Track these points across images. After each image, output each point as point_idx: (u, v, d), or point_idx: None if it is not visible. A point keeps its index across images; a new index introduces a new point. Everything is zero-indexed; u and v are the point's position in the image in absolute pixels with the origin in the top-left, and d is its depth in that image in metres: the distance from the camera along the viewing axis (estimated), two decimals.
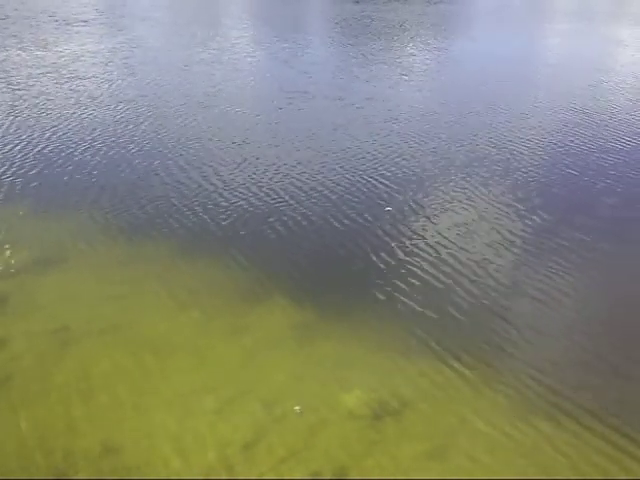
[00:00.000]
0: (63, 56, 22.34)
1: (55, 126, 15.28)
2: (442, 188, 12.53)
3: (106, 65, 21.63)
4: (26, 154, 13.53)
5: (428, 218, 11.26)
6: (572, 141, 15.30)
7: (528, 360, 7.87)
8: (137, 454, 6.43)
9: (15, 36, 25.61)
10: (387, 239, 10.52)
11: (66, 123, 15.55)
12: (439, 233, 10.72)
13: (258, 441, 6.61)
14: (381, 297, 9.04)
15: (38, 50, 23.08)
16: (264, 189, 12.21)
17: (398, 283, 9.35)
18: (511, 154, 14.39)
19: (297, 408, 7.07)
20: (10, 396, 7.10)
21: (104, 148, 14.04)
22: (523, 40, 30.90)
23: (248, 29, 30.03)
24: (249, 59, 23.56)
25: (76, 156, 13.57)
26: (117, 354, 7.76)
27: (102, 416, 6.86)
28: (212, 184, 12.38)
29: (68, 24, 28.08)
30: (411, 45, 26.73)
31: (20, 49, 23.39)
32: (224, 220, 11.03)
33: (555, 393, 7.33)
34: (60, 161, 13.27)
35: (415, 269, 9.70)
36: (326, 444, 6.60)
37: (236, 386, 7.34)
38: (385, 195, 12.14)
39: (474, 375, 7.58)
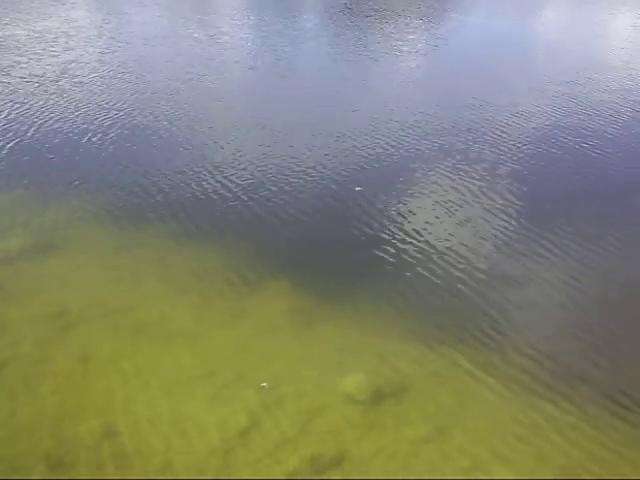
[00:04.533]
0: (53, 33, 22.12)
1: (50, 110, 15.13)
2: (435, 172, 12.49)
3: (96, 43, 21.47)
4: (22, 139, 13.43)
5: (425, 204, 11.24)
6: (569, 125, 15.23)
7: (526, 343, 7.90)
8: (136, 439, 6.45)
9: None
10: (385, 223, 10.50)
11: (61, 106, 15.38)
12: (435, 218, 10.71)
13: (257, 425, 6.64)
14: (379, 281, 9.05)
15: (24, 27, 22.83)
16: (261, 174, 12.14)
17: (396, 267, 9.36)
18: (503, 137, 14.31)
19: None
20: (10, 380, 7.10)
21: (100, 133, 13.90)
22: (520, 24, 30.68)
23: (241, 12, 29.71)
24: (238, 40, 23.38)
25: (73, 141, 13.45)
26: (116, 339, 7.76)
27: (101, 401, 6.87)
28: (208, 169, 12.30)
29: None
30: (404, 29, 26.53)
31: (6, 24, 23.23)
32: (221, 205, 10.98)
33: (553, 375, 7.38)
34: (58, 146, 13.16)
35: (413, 253, 9.69)
36: (325, 428, 6.64)
37: (234, 371, 7.36)
38: (380, 176, 12.13)
39: (473, 358, 7.61)
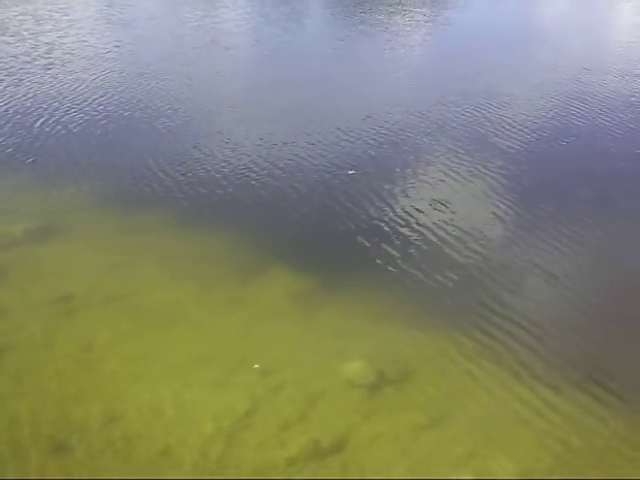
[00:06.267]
0: (38, 15, 22.07)
1: (52, 96, 15.09)
2: (431, 155, 12.52)
3: (78, 26, 21.46)
4: (24, 125, 13.40)
5: (423, 187, 11.23)
6: (566, 112, 15.18)
7: (526, 328, 7.91)
8: (138, 423, 6.49)
9: None
10: (384, 209, 10.50)
11: (62, 93, 15.33)
12: (433, 202, 10.70)
13: (257, 411, 6.67)
14: (379, 267, 9.05)
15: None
16: (261, 159, 12.14)
17: (396, 253, 9.36)
18: (498, 122, 14.30)
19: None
20: (13, 365, 7.14)
21: (101, 119, 13.88)
22: (524, 9, 30.49)
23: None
24: (226, 21, 23.32)
25: (74, 126, 13.43)
26: (118, 324, 7.79)
27: (103, 386, 6.91)
28: (209, 154, 12.30)
29: None
30: (400, 12, 26.34)
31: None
32: (222, 191, 10.99)
33: (553, 363, 7.38)
34: (58, 132, 13.13)
35: (413, 238, 9.70)
36: (325, 413, 6.67)
37: (235, 356, 7.38)
38: (375, 161, 12.14)
39: (473, 344, 7.63)
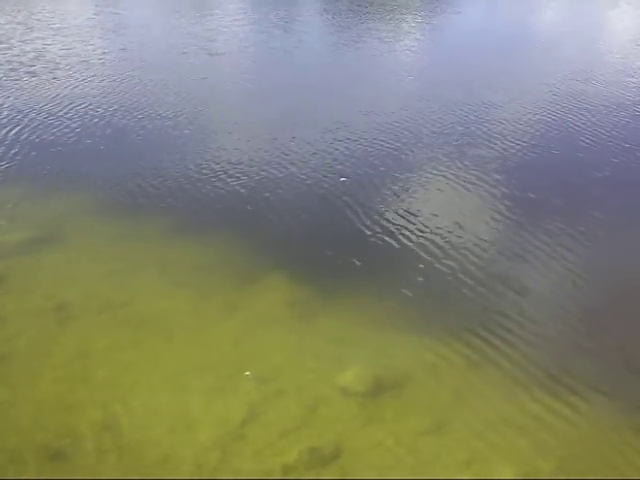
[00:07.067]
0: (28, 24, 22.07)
1: (48, 104, 15.06)
2: (426, 162, 12.55)
3: (67, 34, 21.48)
4: (21, 133, 13.35)
5: (420, 195, 11.27)
6: (562, 117, 15.30)
7: (525, 336, 7.92)
8: (135, 431, 6.43)
9: None
10: (382, 216, 10.51)
11: (58, 101, 15.32)
12: (431, 210, 10.72)
13: (255, 418, 6.63)
14: (376, 273, 9.05)
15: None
16: (258, 166, 12.15)
17: (394, 259, 9.37)
18: (493, 129, 14.36)
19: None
20: (9, 374, 7.07)
21: (91, 127, 13.87)
22: (518, 15, 30.76)
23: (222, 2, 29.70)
24: (216, 28, 23.41)
25: (65, 135, 13.41)
26: (115, 332, 7.74)
27: (100, 394, 6.85)
28: (201, 163, 12.30)
29: None
30: (395, 17, 26.53)
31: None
32: (219, 198, 10.99)
33: (552, 369, 7.39)
34: (55, 140, 13.11)
35: (410, 245, 9.71)
36: (323, 421, 6.64)
37: (232, 364, 7.35)
38: (370, 170, 12.16)
39: (471, 351, 7.62)
